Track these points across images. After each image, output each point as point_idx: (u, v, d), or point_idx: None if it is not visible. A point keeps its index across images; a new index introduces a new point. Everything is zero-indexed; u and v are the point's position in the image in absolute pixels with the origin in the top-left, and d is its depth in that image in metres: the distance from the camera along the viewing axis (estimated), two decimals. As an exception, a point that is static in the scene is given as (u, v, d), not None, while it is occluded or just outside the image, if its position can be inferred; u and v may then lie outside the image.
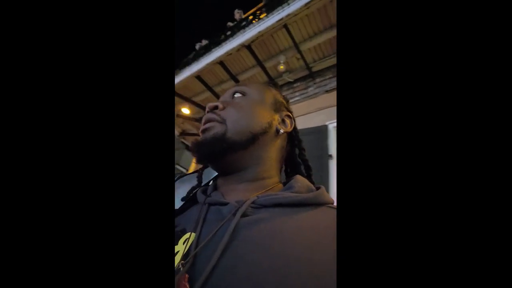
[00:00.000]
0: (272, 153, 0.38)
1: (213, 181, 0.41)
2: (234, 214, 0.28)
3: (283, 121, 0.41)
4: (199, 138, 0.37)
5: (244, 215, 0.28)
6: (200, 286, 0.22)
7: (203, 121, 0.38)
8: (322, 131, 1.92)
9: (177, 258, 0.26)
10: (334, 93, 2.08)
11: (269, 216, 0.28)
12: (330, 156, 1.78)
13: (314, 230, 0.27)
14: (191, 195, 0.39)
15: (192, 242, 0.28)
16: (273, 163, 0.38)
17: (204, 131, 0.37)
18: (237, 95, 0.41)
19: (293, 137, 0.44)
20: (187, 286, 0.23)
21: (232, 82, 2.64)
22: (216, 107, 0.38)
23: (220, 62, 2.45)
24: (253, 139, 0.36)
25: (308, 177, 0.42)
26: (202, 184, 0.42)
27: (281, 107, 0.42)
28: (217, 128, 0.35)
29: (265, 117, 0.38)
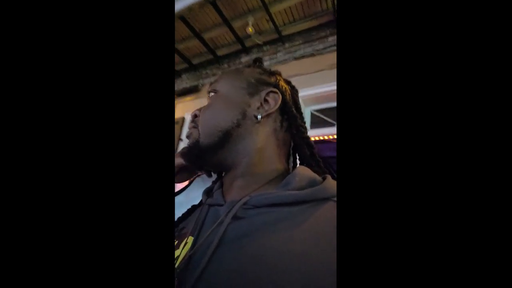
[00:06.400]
0: (259, 143, 0.35)
1: (220, 179, 0.40)
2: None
3: (265, 101, 0.37)
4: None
5: (236, 217, 0.27)
6: None
7: None
8: (289, 100, 1.99)
9: (177, 263, 0.27)
10: (303, 61, 2.09)
11: (262, 219, 0.26)
12: (296, 125, 1.92)
13: (313, 232, 0.24)
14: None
15: (190, 246, 0.28)
16: (264, 154, 0.35)
17: (188, 138, 0.37)
18: (211, 94, 0.39)
19: (287, 114, 0.38)
20: None
21: (196, 41, 2.41)
22: (196, 116, 0.38)
23: (181, 18, 2.17)
24: (226, 137, 0.34)
25: (312, 156, 0.38)
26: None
27: (260, 86, 0.37)
28: (194, 134, 0.36)
29: (235, 108, 0.35)
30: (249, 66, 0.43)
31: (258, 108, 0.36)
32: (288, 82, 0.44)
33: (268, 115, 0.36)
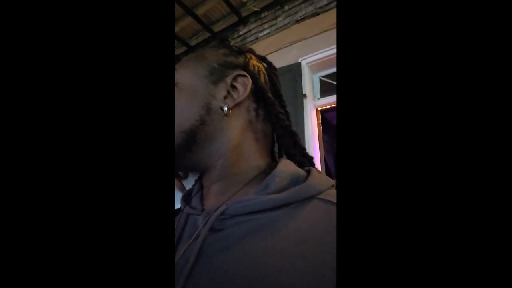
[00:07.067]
0: (234, 140, 0.30)
1: (199, 180, 0.36)
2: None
3: (233, 87, 0.31)
4: None
5: (213, 229, 0.26)
6: None
7: None
8: (294, 69, 1.84)
9: None
10: (305, 23, 1.89)
11: (241, 230, 0.25)
12: (305, 95, 1.78)
13: (297, 241, 0.22)
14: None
15: None
16: (241, 151, 0.31)
17: None
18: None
19: (262, 100, 0.33)
20: None
21: (189, 19, 2.27)
22: None
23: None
24: (191, 138, 0.29)
25: (296, 145, 0.34)
26: None
27: (226, 70, 0.32)
28: None
29: (197, 102, 0.30)
30: (214, 46, 0.37)
31: (224, 98, 0.31)
32: (263, 59, 0.38)
33: (238, 105, 0.31)
